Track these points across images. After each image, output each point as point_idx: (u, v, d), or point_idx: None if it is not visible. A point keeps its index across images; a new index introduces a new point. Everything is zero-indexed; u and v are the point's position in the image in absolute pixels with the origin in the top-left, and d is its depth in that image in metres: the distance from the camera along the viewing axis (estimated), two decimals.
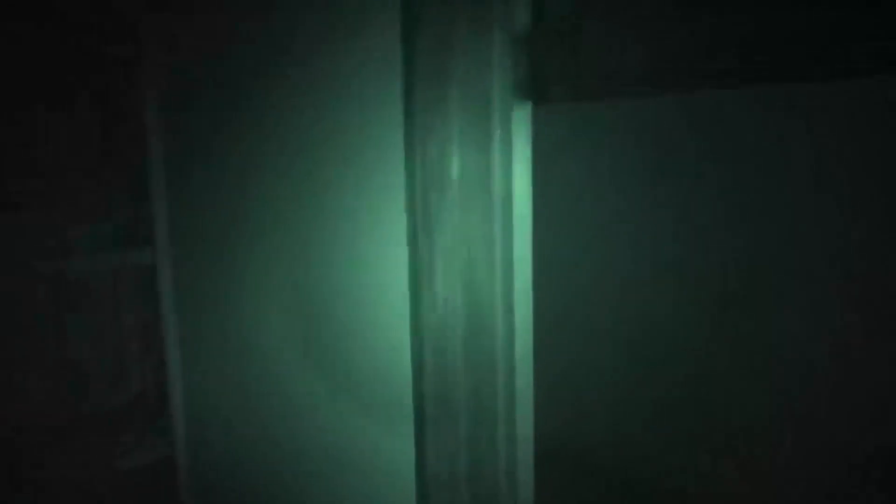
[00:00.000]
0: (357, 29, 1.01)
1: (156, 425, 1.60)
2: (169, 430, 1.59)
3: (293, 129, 1.14)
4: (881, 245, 1.07)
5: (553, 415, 1.10)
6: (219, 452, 1.44)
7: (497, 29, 0.95)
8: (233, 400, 1.38)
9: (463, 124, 0.97)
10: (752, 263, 1.19)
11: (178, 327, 1.49)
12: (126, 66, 1.41)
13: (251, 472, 1.36)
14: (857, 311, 1.08)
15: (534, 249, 0.93)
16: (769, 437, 1.18)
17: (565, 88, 0.86)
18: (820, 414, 1.12)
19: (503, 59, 0.92)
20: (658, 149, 1.24)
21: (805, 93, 1.14)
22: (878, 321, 1.07)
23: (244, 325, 1.31)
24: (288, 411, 1.25)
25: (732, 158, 1.22)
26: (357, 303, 1.09)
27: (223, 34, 1.23)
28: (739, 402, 1.20)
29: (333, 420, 1.16)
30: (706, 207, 1.20)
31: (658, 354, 1.31)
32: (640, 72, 0.80)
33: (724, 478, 1.25)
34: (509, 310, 0.95)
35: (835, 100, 1.12)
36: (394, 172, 1.00)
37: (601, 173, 1.27)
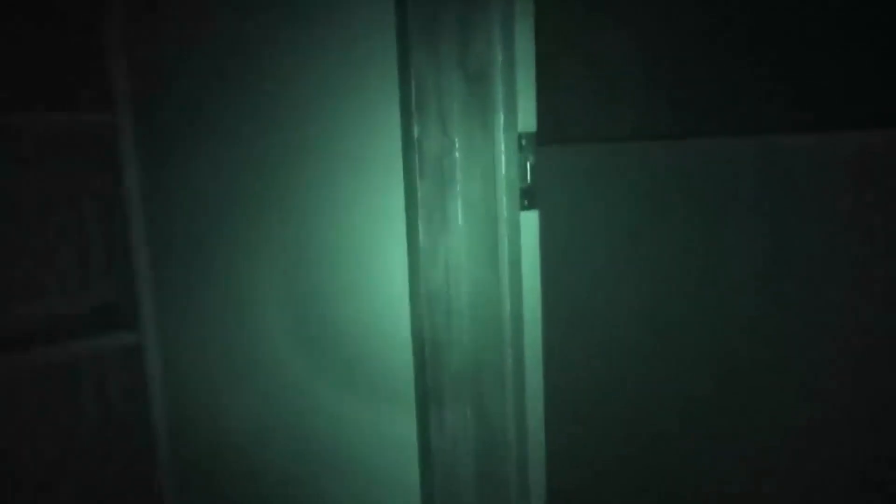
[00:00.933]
0: (353, 23, 1.00)
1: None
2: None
3: (290, 128, 1.13)
4: (883, 250, 1.07)
5: (563, 419, 1.10)
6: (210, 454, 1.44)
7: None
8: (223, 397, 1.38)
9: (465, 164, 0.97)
10: (763, 273, 1.20)
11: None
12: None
13: (243, 476, 1.36)
14: (860, 317, 1.08)
15: (541, 245, 0.93)
16: (772, 440, 1.18)
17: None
18: (820, 418, 1.12)
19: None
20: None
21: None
22: (879, 325, 1.07)
23: (237, 319, 1.31)
24: (286, 407, 1.25)
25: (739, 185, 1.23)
26: (356, 298, 1.09)
27: (218, 32, 1.23)
28: (755, 406, 1.20)
29: (332, 418, 1.16)
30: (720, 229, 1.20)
31: (674, 362, 1.31)
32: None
33: (728, 479, 1.25)
34: (517, 308, 0.95)
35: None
36: (392, 169, 0.99)
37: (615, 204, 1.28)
